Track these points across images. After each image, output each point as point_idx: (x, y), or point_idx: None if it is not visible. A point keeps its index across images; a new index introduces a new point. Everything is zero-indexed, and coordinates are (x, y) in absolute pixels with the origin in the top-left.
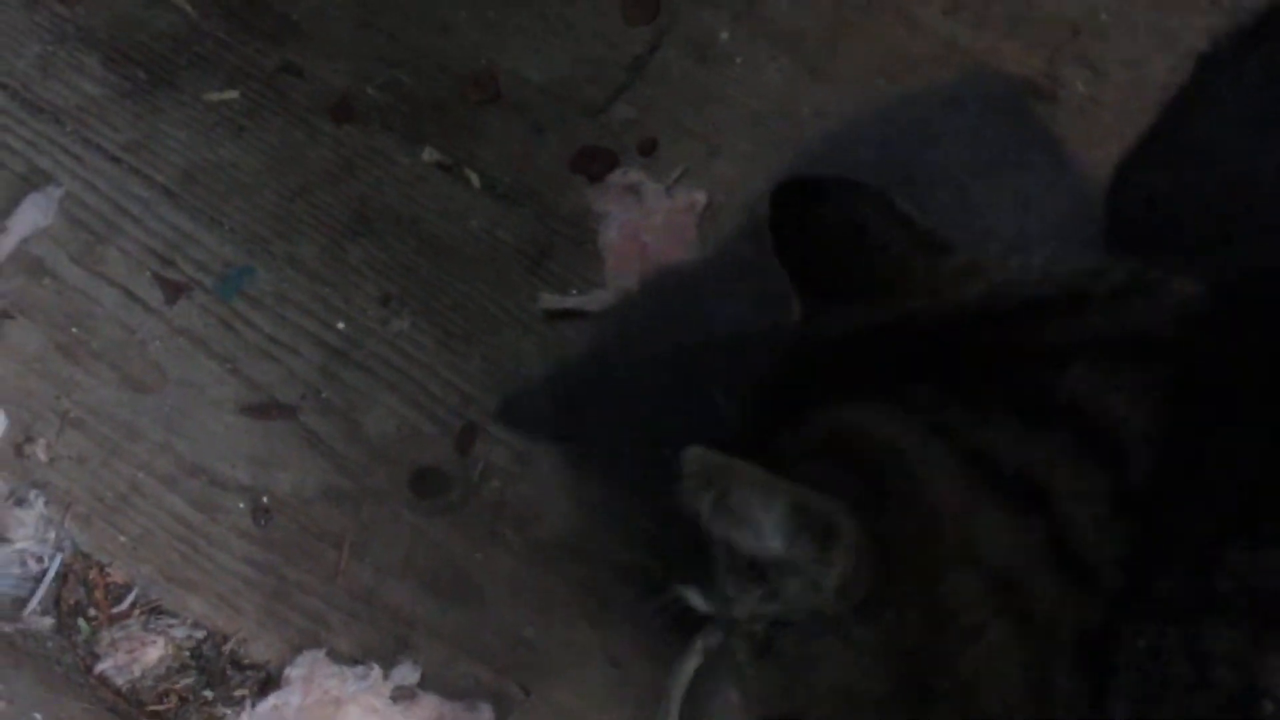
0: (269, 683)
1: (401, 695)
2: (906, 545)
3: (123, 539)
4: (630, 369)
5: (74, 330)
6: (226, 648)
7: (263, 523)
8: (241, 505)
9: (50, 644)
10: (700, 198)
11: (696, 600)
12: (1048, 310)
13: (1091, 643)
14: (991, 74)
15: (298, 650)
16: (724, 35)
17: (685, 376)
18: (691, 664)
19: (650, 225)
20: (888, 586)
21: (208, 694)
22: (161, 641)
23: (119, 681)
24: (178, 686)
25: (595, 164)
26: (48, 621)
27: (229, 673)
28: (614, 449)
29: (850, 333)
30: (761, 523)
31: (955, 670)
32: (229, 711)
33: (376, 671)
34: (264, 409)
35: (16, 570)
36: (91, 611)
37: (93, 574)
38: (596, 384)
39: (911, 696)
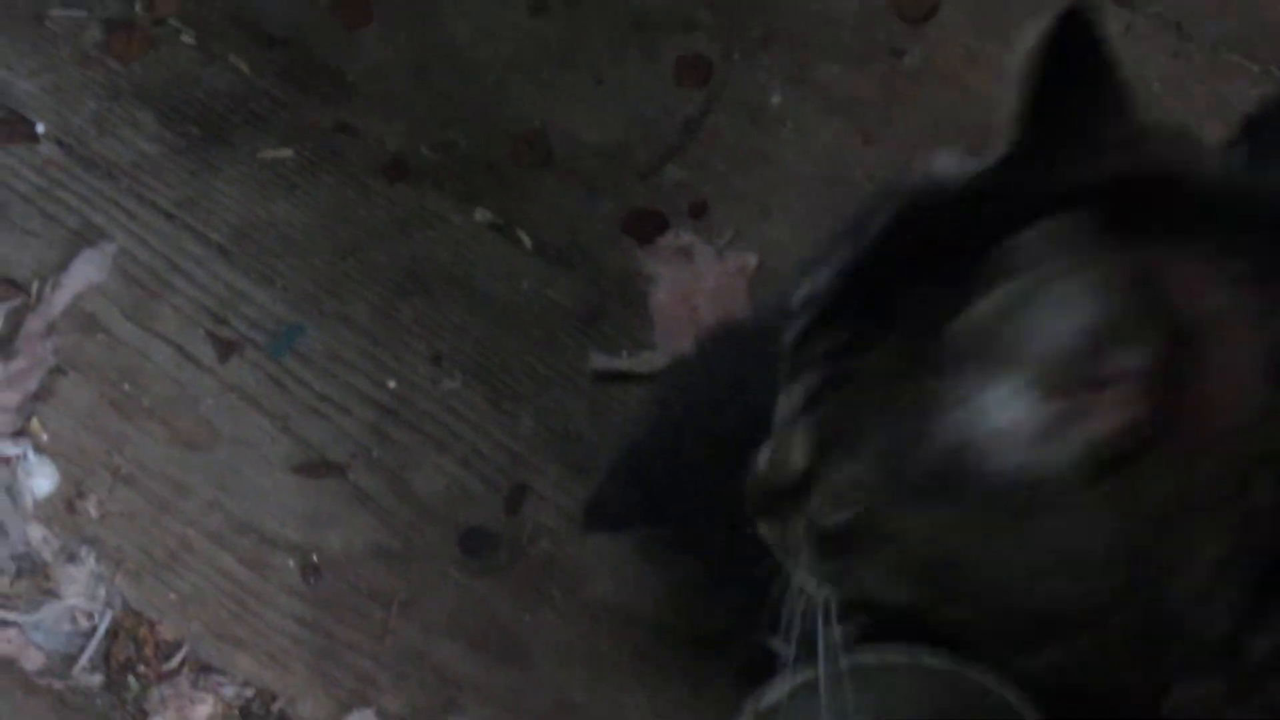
0: None
1: None
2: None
3: (173, 596)
4: (700, 438)
5: (126, 386)
6: (275, 706)
7: (312, 581)
8: (291, 563)
9: (100, 701)
10: (751, 260)
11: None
12: None
13: None
14: None
15: (346, 709)
16: (776, 99)
17: (758, 440)
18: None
19: (701, 287)
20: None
21: None
22: (211, 699)
23: None
24: None
25: (646, 226)
26: (97, 678)
27: None
28: (697, 524)
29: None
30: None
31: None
32: None
33: None
34: (314, 467)
35: (67, 627)
36: (141, 668)
37: (143, 631)
38: (670, 461)
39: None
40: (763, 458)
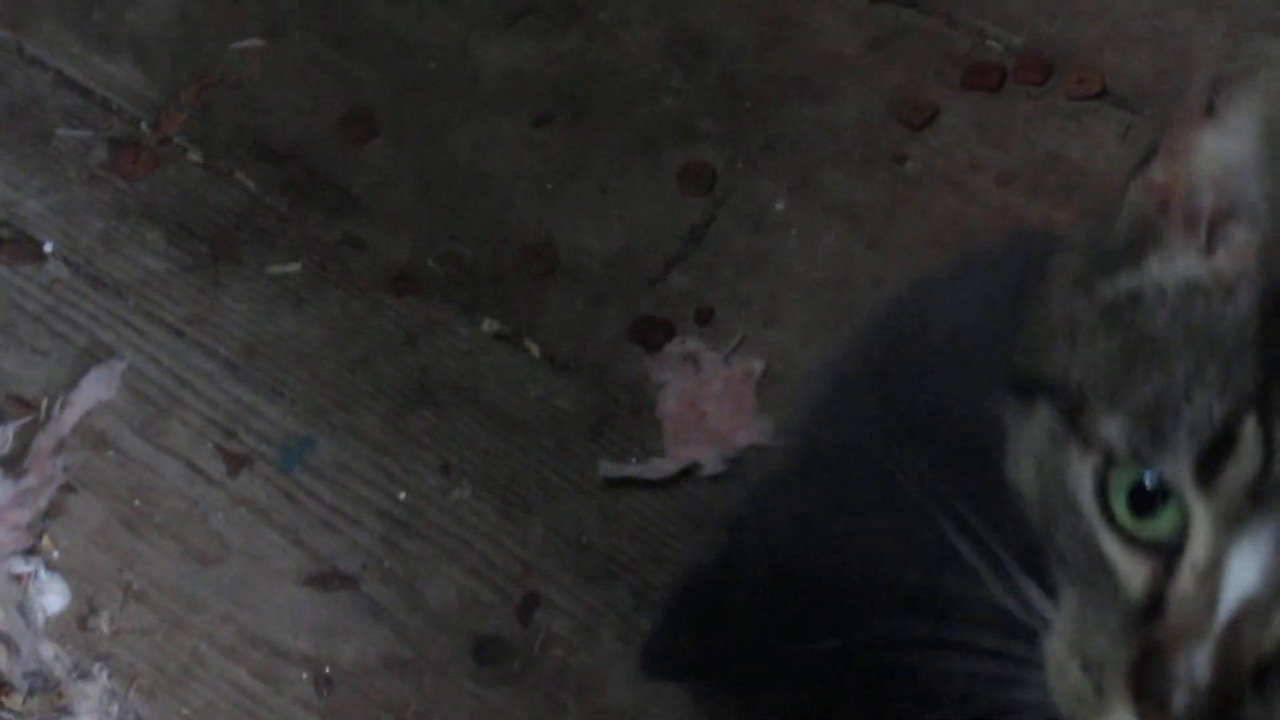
0: None
1: None
2: None
3: (186, 711)
4: (777, 574)
5: (136, 503)
6: None
7: (325, 693)
8: (304, 676)
9: None
10: (758, 366)
11: None
12: None
13: None
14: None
15: None
16: (779, 205)
17: (820, 577)
18: None
19: (708, 394)
20: None
21: None
22: None
23: None
24: None
25: (653, 333)
26: None
27: None
28: (759, 676)
29: None
30: None
31: None
32: None
33: None
34: (326, 579)
35: None
36: None
37: None
38: (735, 599)
39: None
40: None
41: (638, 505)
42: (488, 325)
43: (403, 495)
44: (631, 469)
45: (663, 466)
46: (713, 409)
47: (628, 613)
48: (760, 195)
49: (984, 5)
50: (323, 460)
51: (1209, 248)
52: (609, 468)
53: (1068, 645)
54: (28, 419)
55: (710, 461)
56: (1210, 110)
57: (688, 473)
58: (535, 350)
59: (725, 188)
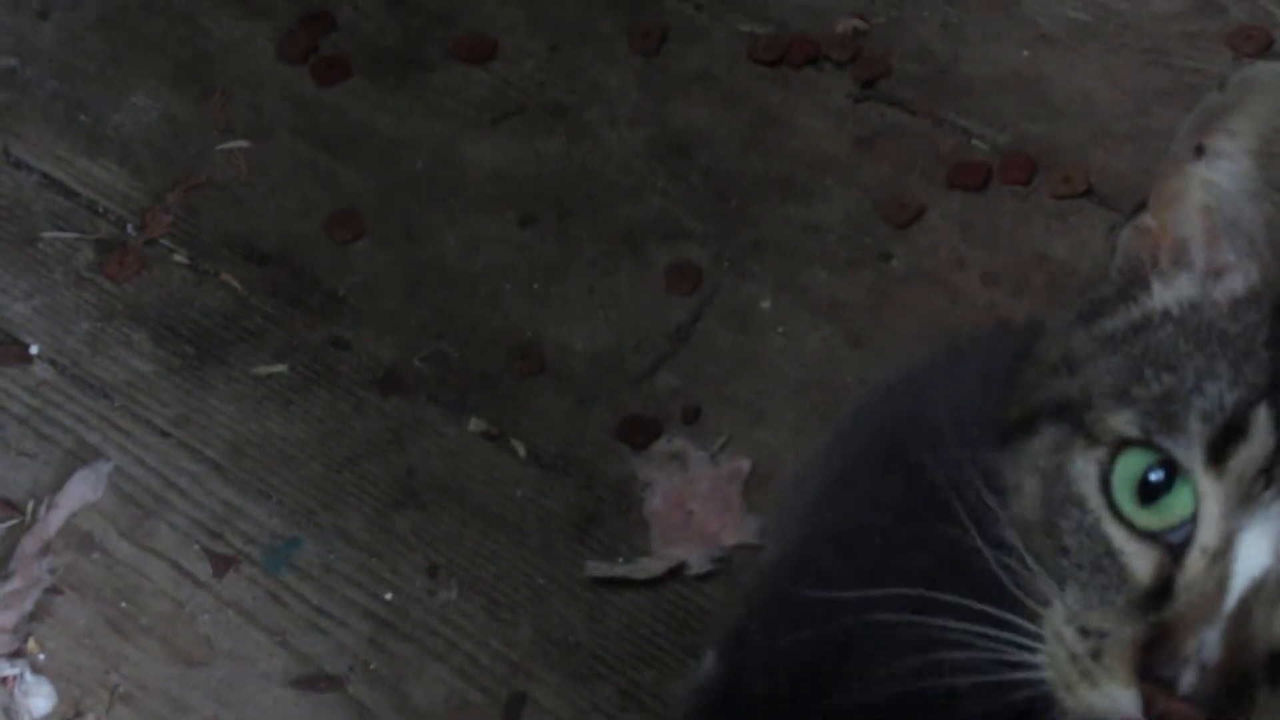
0: None
1: None
2: None
3: None
4: (767, 685)
5: (123, 605)
6: None
7: None
8: None
9: None
10: (744, 465)
11: None
12: None
13: None
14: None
15: None
16: (765, 305)
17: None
18: None
19: (695, 493)
20: None
21: None
22: None
23: None
24: None
25: (640, 432)
26: None
27: None
28: None
29: None
30: None
31: None
32: None
33: None
34: (313, 681)
35: None
36: None
37: None
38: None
39: None
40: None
41: (625, 605)
42: (474, 425)
43: (389, 596)
44: (619, 568)
45: (650, 566)
46: (700, 508)
47: (615, 713)
48: (746, 294)
49: (969, 105)
50: (309, 561)
51: (1209, 273)
52: (596, 567)
53: (1067, 614)
54: (13, 521)
55: (698, 561)
56: (1199, 152)
57: (675, 572)
58: (522, 450)
59: (711, 287)
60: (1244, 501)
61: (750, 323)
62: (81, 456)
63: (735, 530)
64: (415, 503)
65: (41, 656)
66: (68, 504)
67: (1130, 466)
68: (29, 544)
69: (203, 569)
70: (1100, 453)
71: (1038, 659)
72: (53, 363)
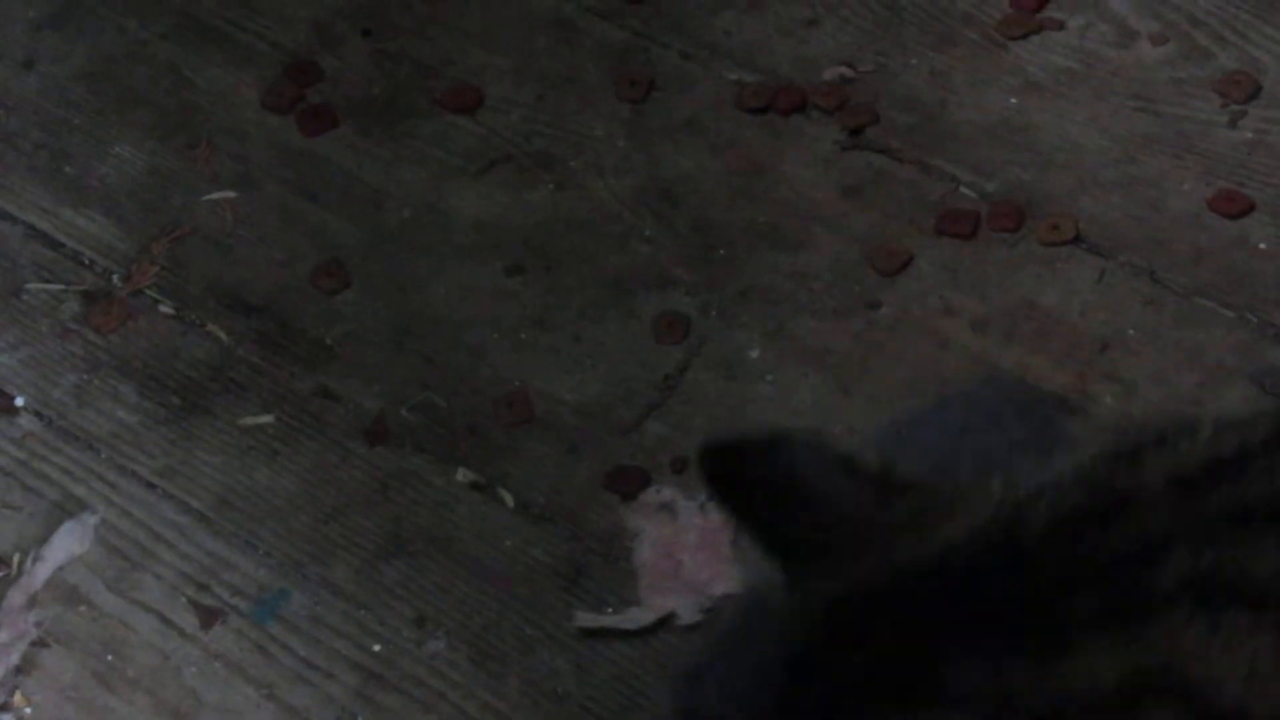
0: None
1: None
2: None
3: None
4: None
5: (109, 657)
6: None
7: None
8: None
9: None
10: None
11: None
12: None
13: None
14: (1018, 381)
15: None
16: (754, 353)
17: None
18: None
19: (684, 543)
20: None
21: None
22: None
23: None
24: None
25: (628, 482)
26: None
27: None
28: None
29: (890, 586)
30: None
31: None
32: None
33: None
34: None
35: None
36: None
37: None
38: None
39: None
40: None
41: (614, 656)
42: (462, 475)
43: (377, 648)
44: (607, 619)
45: (639, 616)
46: (689, 558)
47: None
48: (735, 343)
49: (957, 152)
50: (296, 613)
51: None
52: (584, 618)
53: None
54: (0, 575)
55: (687, 611)
56: None
57: (664, 622)
58: (510, 500)
59: (699, 336)
60: None
61: (739, 371)
62: (68, 509)
63: (724, 580)
64: (403, 553)
65: (28, 710)
66: (54, 557)
67: None
68: (15, 597)
69: (189, 621)
70: None
71: None
72: (38, 414)
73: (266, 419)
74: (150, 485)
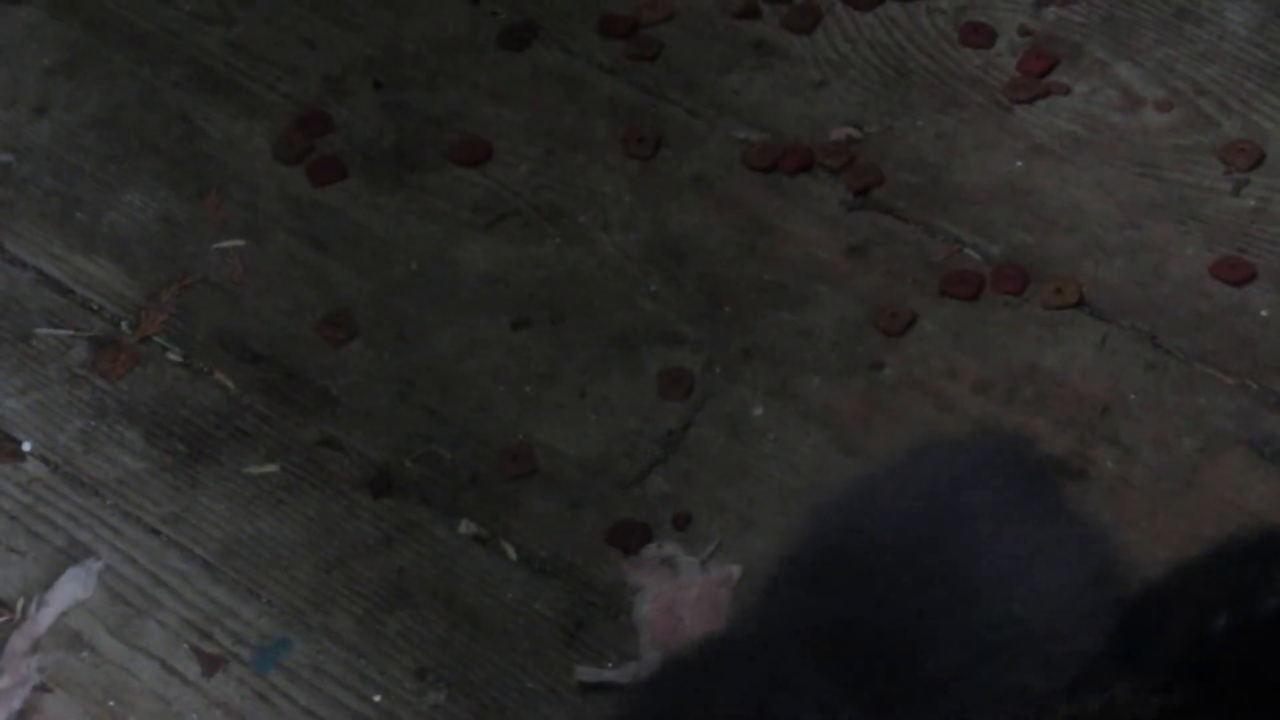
0: None
1: None
2: None
3: None
4: None
5: (111, 704)
6: None
7: None
8: None
9: None
10: (735, 571)
11: None
12: None
13: None
14: (1016, 442)
15: None
16: (757, 411)
17: None
18: None
19: (685, 599)
20: None
21: None
22: None
23: None
24: None
25: (630, 537)
26: None
27: None
28: None
29: None
30: None
31: None
32: None
33: None
34: None
35: None
36: None
37: None
38: None
39: None
40: None
41: (614, 711)
42: (465, 527)
43: (378, 698)
44: (608, 673)
45: (639, 671)
46: (689, 614)
47: None
48: (738, 400)
49: (962, 214)
50: (298, 662)
51: None
52: (585, 672)
53: None
54: (3, 619)
55: None
56: None
57: None
58: (512, 553)
59: (703, 393)
60: None
61: (742, 429)
62: (72, 554)
63: None
64: (405, 604)
65: None
66: (58, 602)
67: None
68: (18, 642)
69: (192, 668)
70: None
71: None
72: (45, 460)
73: (271, 468)
74: (155, 532)
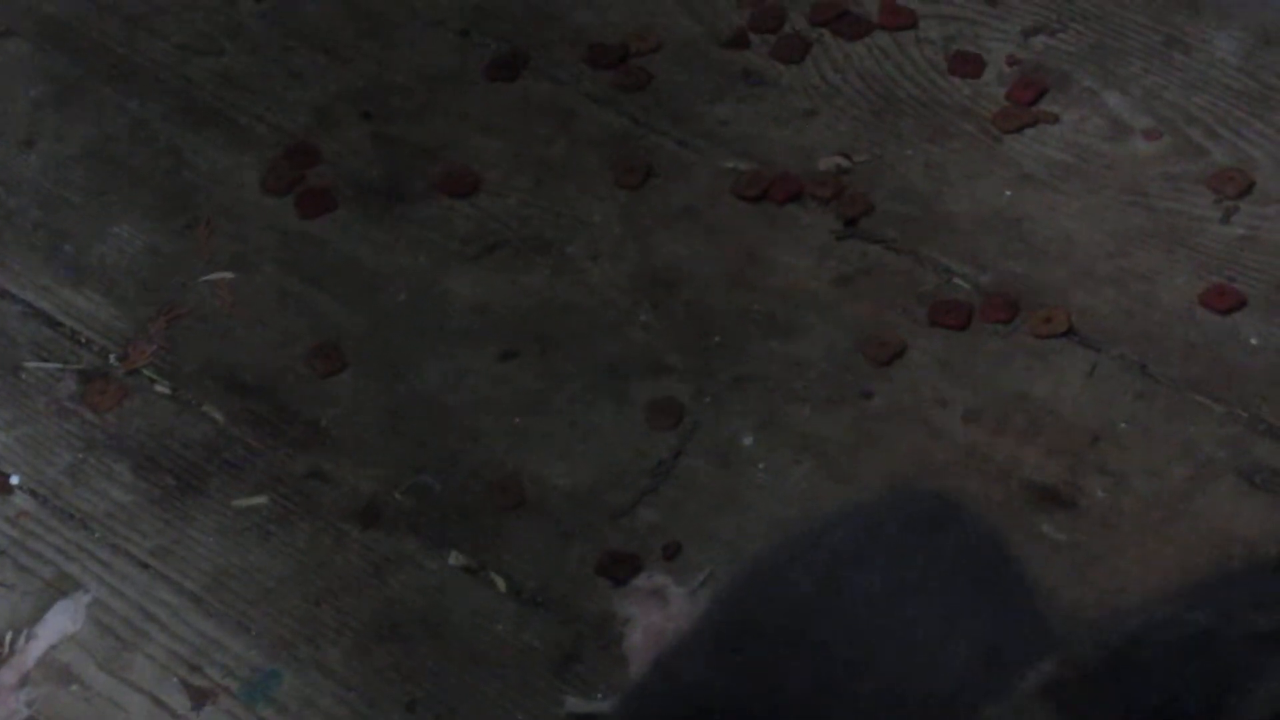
0: None
1: None
2: None
3: None
4: None
5: None
6: None
7: None
8: None
9: None
10: None
11: None
12: None
13: None
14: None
15: None
16: (747, 441)
17: None
18: None
19: (675, 630)
20: None
21: None
22: None
23: None
24: None
25: (620, 568)
26: None
27: None
28: None
29: None
30: None
31: None
32: None
33: None
34: None
35: None
36: None
37: None
38: None
39: None
40: None
41: None
42: (454, 558)
43: None
44: (598, 705)
45: (628, 703)
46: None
47: None
48: (728, 430)
49: (951, 244)
50: (287, 695)
51: None
52: (575, 704)
53: None
54: None
55: None
56: None
57: None
58: (502, 584)
59: (693, 422)
60: None
61: (731, 459)
62: (61, 588)
63: None
64: (394, 636)
65: None
66: (46, 636)
67: None
68: (7, 676)
69: (181, 702)
70: None
71: None
72: (33, 493)
73: (260, 500)
74: (144, 565)
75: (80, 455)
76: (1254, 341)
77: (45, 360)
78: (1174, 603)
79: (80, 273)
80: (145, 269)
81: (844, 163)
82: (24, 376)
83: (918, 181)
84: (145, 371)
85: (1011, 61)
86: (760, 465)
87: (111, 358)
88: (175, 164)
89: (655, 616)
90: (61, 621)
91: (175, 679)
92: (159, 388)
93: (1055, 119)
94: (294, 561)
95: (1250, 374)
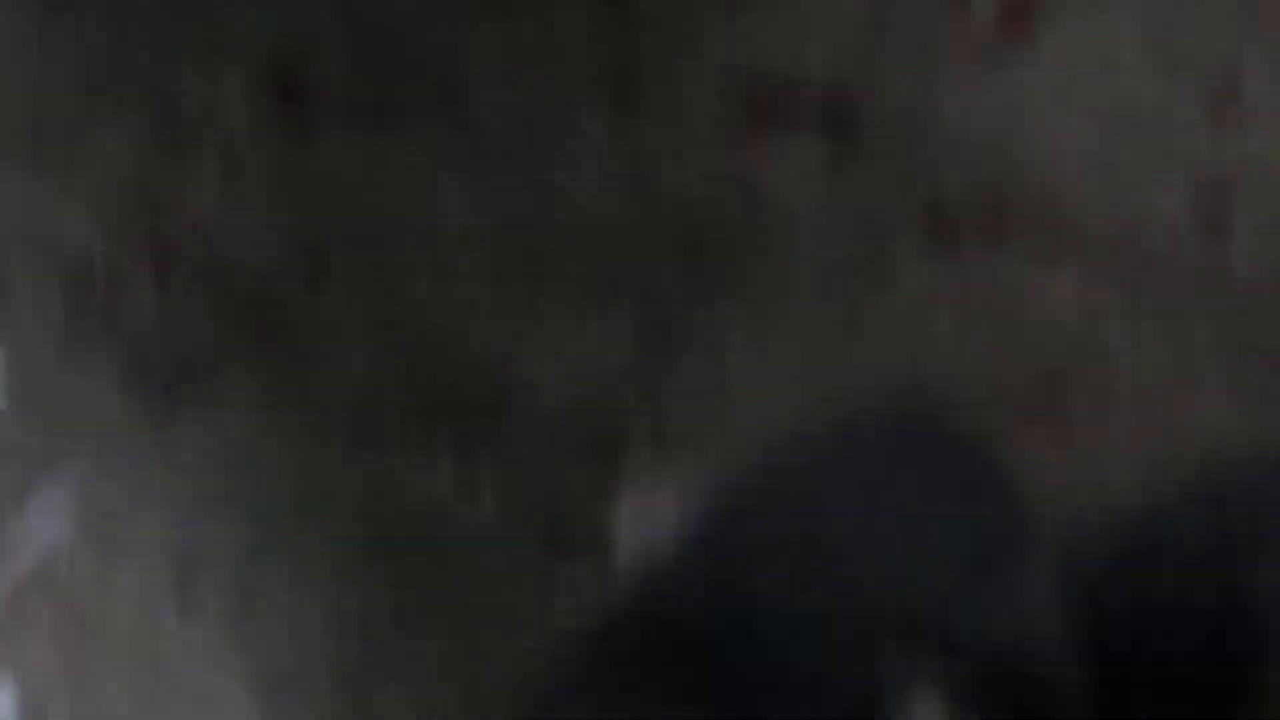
0: None
1: None
2: None
3: None
4: None
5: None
6: None
7: None
8: None
9: None
10: None
11: None
12: None
13: None
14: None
15: None
16: (737, 358)
17: None
18: None
19: (664, 514)
20: None
21: None
22: None
23: None
24: None
25: (609, 471)
26: None
27: None
28: None
29: None
30: None
31: None
32: None
33: None
34: None
35: None
36: None
37: None
38: None
39: None
40: None
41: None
42: (443, 469)
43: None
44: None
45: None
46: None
47: None
48: (718, 347)
49: (942, 161)
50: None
51: None
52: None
53: None
54: None
55: None
56: None
57: None
58: (490, 492)
59: (683, 339)
60: None
61: (721, 375)
62: (48, 490)
63: None
64: (383, 546)
65: None
66: (34, 539)
67: None
68: None
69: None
70: None
71: None
72: (20, 398)
73: (246, 407)
74: (132, 468)
75: (69, 361)
76: (1246, 260)
77: (33, 266)
78: (1167, 504)
79: (67, 187)
80: (132, 178)
81: (835, 81)
82: (11, 289)
83: (909, 97)
84: (134, 278)
85: None
86: (750, 383)
87: (99, 264)
88: (162, 76)
89: (643, 520)
90: (48, 524)
91: (162, 582)
92: (146, 304)
93: (1047, 38)
94: (282, 474)
95: (1241, 287)
